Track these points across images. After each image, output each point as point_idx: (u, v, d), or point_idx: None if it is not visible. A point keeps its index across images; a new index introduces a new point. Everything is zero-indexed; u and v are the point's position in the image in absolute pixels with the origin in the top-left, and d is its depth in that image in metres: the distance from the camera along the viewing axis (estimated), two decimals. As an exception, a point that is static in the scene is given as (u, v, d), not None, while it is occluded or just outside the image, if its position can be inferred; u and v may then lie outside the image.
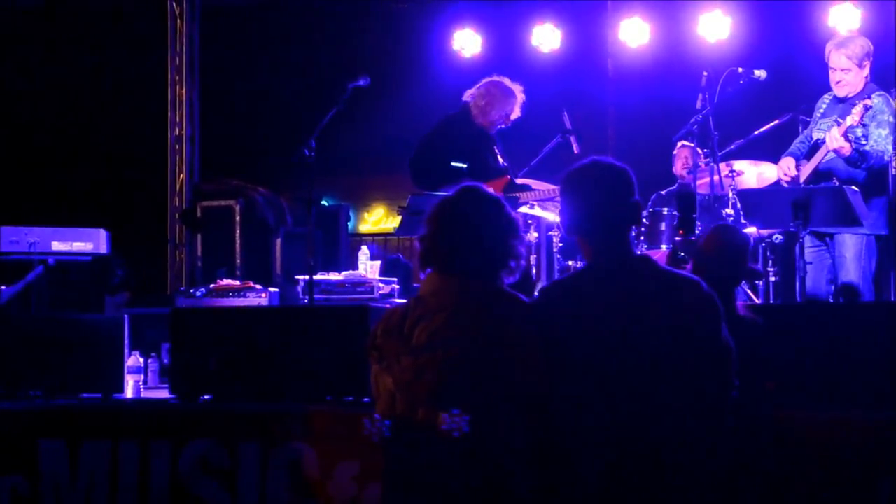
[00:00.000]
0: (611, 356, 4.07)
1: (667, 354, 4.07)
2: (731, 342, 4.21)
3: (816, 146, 8.31)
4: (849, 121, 7.99)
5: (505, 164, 9.34)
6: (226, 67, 13.38)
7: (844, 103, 8.31)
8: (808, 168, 8.30)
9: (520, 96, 9.35)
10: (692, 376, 4.09)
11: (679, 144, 10.28)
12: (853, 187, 7.86)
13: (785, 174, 8.40)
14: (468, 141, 9.21)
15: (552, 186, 9.36)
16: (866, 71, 8.32)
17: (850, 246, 8.09)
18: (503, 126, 9.34)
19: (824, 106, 8.49)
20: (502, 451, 4.03)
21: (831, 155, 8.15)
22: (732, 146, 9.08)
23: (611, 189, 4.26)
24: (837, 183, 8.10)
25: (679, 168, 10.37)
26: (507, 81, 9.39)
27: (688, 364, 4.08)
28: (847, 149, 8.00)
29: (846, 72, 8.26)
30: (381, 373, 4.19)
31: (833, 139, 8.00)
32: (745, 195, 8.38)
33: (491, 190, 4.39)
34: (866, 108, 7.91)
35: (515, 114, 9.35)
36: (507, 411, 4.04)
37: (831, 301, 8.12)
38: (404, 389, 4.10)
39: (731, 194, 8.83)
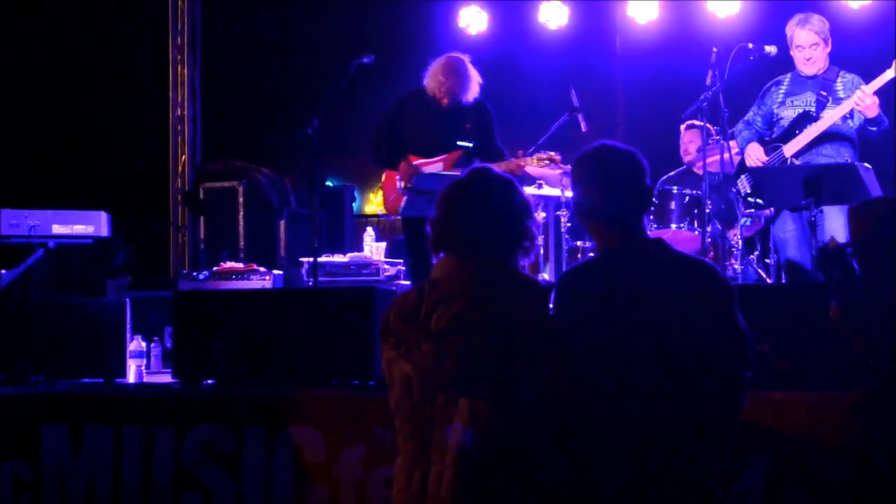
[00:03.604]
0: (630, 341, 4.05)
1: (684, 338, 4.06)
2: (745, 326, 4.17)
3: (803, 121, 8.35)
4: (890, 73, 8.05)
5: (470, 141, 9.07)
6: (228, 47, 13.30)
7: (814, 79, 8.45)
8: (797, 144, 8.30)
9: (435, 70, 9.07)
10: (708, 360, 4.07)
11: (683, 128, 10.22)
12: (866, 164, 7.87)
13: (758, 159, 8.39)
14: (417, 115, 9.02)
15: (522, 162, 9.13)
16: (830, 47, 8.47)
17: (837, 220, 8.08)
18: (443, 101, 9.05)
19: (785, 87, 8.61)
20: (525, 436, 3.98)
21: (823, 126, 8.23)
22: (740, 124, 8.99)
23: (623, 174, 4.25)
24: (850, 158, 8.18)
25: (690, 149, 10.28)
26: (446, 56, 9.18)
27: (704, 347, 4.07)
28: (876, 107, 8.06)
29: (815, 47, 8.41)
30: (396, 359, 4.11)
31: (864, 97, 8.04)
32: (756, 173, 8.36)
33: (499, 170, 4.34)
34: None
35: (438, 89, 9.03)
36: (530, 396, 3.99)
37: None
38: (424, 376, 4.03)
39: (735, 172, 8.76)
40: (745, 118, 8.70)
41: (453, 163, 8.81)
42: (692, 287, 4.13)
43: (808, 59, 8.41)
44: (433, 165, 8.81)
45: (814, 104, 8.35)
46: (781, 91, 8.57)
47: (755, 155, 8.44)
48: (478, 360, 3.98)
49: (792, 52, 8.48)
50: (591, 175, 4.27)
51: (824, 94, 8.32)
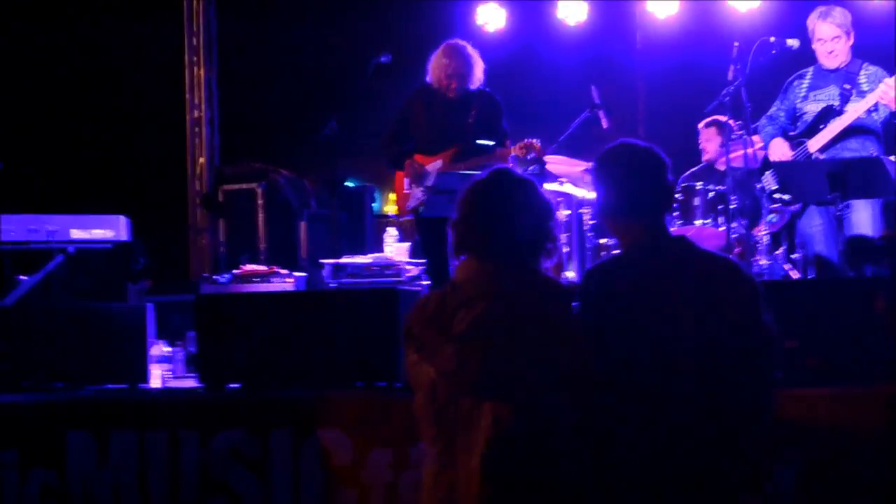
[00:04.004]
0: (653, 339, 4.03)
1: (709, 336, 4.03)
2: (772, 323, 4.14)
3: (826, 115, 8.29)
4: None
5: (475, 131, 8.96)
6: (244, 47, 13.27)
7: (837, 73, 8.37)
8: (822, 138, 8.23)
9: (436, 57, 8.93)
10: (735, 358, 4.04)
11: (701, 126, 10.18)
12: (892, 157, 7.85)
13: (783, 155, 8.34)
14: (424, 111, 8.92)
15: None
16: (852, 40, 8.39)
17: (863, 213, 8.05)
18: (451, 87, 8.90)
19: (808, 81, 8.53)
20: (549, 437, 3.95)
21: (848, 120, 8.16)
22: (763, 119, 8.93)
23: (645, 172, 4.25)
24: (875, 151, 8.13)
25: (708, 148, 10.22)
26: (444, 42, 9.01)
27: (730, 345, 4.04)
28: None
29: (837, 40, 8.33)
30: (419, 362, 4.10)
31: (889, 89, 7.97)
32: (781, 168, 8.30)
33: (521, 171, 4.39)
34: None
35: (439, 74, 8.90)
36: (553, 397, 3.96)
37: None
38: (447, 379, 4.01)
39: (760, 167, 8.71)
40: (769, 113, 8.63)
41: (451, 158, 8.71)
42: (716, 284, 4.11)
43: (830, 53, 8.34)
44: (433, 163, 8.74)
45: (837, 98, 8.28)
46: (804, 85, 8.49)
47: (779, 150, 8.38)
48: (500, 363, 3.97)
49: (814, 46, 8.41)
50: (613, 174, 4.27)
51: (848, 87, 8.24)
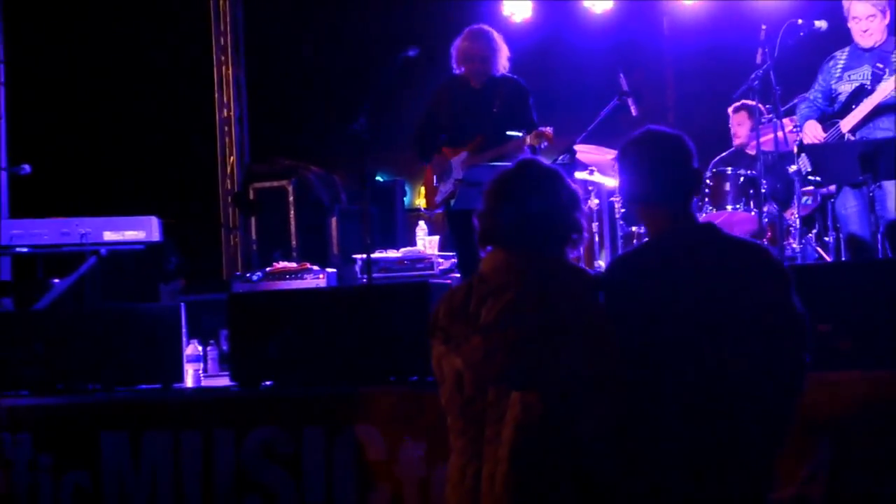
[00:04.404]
0: (681, 326, 3.98)
1: (737, 323, 3.98)
2: (802, 310, 4.08)
3: (859, 95, 8.20)
4: None
5: (500, 121, 8.91)
6: (272, 44, 13.28)
7: (872, 52, 8.27)
8: (853, 118, 8.16)
9: (459, 41, 8.84)
10: (764, 345, 3.98)
11: (730, 111, 10.11)
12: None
13: (816, 136, 8.27)
14: (451, 102, 8.86)
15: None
16: (888, 19, 8.28)
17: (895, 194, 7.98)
18: (473, 70, 8.74)
19: (842, 61, 8.42)
20: (577, 425, 3.91)
21: (878, 99, 8.06)
22: (796, 100, 8.89)
23: (669, 159, 4.21)
24: None
25: (739, 133, 10.15)
26: (468, 27, 8.93)
27: (759, 331, 3.98)
28: None
29: (872, 19, 8.22)
30: (446, 354, 4.08)
31: None
32: (813, 150, 8.23)
33: (547, 162, 4.31)
34: None
35: (462, 57, 8.78)
36: (580, 389, 3.92)
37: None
38: (473, 370, 3.99)
39: (796, 150, 8.65)
40: (806, 94, 8.57)
41: (475, 149, 8.66)
42: (742, 270, 4.06)
43: (864, 31, 8.25)
44: (457, 156, 8.70)
45: (869, 77, 8.21)
46: (839, 66, 8.42)
47: (812, 132, 8.32)
48: (528, 352, 3.94)
49: (849, 24, 8.33)
50: (637, 161, 4.23)
51: (881, 66, 8.15)
